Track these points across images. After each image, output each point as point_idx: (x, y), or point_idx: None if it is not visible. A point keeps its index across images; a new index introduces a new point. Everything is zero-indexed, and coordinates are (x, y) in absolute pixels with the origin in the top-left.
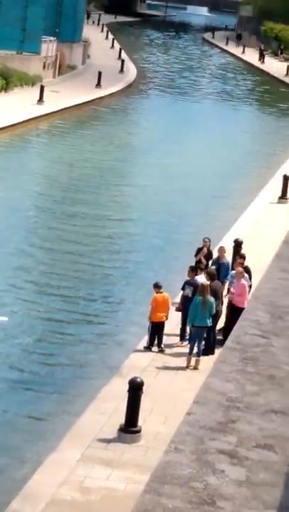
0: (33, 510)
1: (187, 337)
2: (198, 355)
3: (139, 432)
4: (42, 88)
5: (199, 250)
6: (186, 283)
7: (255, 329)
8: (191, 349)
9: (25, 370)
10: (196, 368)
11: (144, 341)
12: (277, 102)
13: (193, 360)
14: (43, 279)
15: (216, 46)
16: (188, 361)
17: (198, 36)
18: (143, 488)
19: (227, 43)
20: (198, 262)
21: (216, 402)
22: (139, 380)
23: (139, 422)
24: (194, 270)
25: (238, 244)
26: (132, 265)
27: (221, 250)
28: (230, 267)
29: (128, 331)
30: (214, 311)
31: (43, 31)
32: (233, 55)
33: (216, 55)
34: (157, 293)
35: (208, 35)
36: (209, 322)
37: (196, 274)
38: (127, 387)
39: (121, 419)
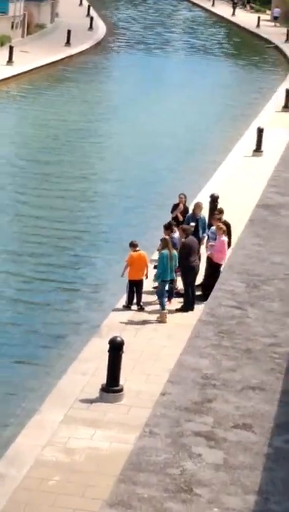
0: (18, 473)
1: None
2: (162, 308)
3: (121, 390)
4: (11, 49)
5: (175, 207)
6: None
7: (230, 300)
8: (163, 304)
9: (5, 334)
10: (162, 321)
11: (123, 300)
12: (248, 55)
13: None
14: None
15: (187, 0)
16: (164, 316)
17: None
18: (117, 477)
19: None
20: (175, 218)
21: (190, 381)
22: (119, 339)
23: (121, 381)
24: (169, 227)
25: (214, 200)
26: (108, 224)
27: (197, 206)
28: (206, 222)
29: (107, 290)
30: (177, 264)
31: None
32: (203, 8)
33: (185, 9)
34: (134, 251)
35: None
36: (174, 275)
37: (172, 231)
38: (107, 346)
39: (102, 378)
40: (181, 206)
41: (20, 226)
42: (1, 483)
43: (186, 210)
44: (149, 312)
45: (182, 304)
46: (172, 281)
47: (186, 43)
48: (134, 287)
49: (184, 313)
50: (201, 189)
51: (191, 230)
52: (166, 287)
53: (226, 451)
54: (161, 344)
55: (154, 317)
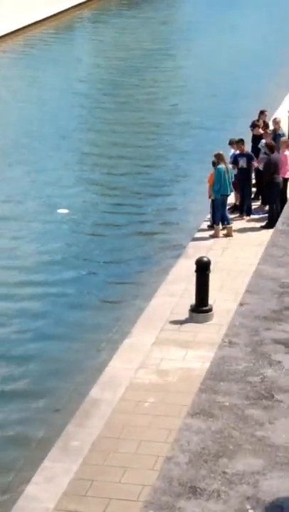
0: (113, 396)
1: (253, 211)
2: (228, 222)
3: (210, 310)
4: None
5: (255, 123)
6: (238, 155)
7: None
8: (219, 218)
9: (91, 258)
10: (228, 235)
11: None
12: None
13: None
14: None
15: None
16: (218, 231)
17: None
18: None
19: None
20: (257, 135)
21: (268, 290)
22: (205, 259)
23: (210, 301)
24: (240, 141)
25: None
26: (189, 142)
27: (276, 122)
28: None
29: (190, 210)
30: (233, 177)
31: None
32: None
33: None
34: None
35: None
36: (230, 189)
37: (243, 144)
38: (194, 267)
39: (191, 299)
40: (261, 122)
41: (100, 152)
42: (97, 406)
43: (266, 125)
44: (235, 230)
45: (266, 221)
46: (228, 196)
47: None
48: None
49: (269, 230)
50: (280, 104)
51: (274, 145)
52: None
53: None
54: (249, 262)
55: (240, 235)
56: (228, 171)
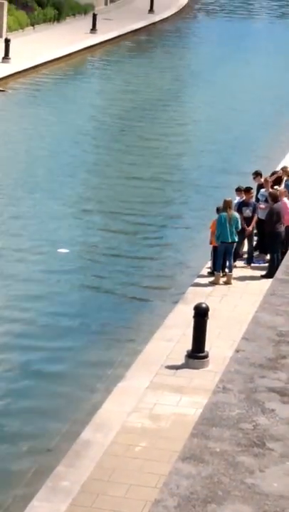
0: (105, 439)
1: (254, 260)
2: (229, 270)
3: (206, 357)
4: (94, 17)
5: (257, 172)
6: (243, 204)
7: None
8: (219, 266)
9: (89, 300)
10: (228, 282)
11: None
12: None
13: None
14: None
15: None
16: (218, 279)
17: None
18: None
19: None
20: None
21: (265, 337)
22: (204, 305)
23: (206, 347)
24: (247, 190)
25: None
26: (195, 189)
27: (286, 171)
28: None
29: (191, 257)
30: (240, 226)
31: None
32: None
33: None
34: None
35: None
36: (236, 237)
37: (250, 194)
38: (192, 313)
39: (188, 345)
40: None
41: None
42: (89, 448)
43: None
44: (235, 278)
45: (267, 270)
46: (233, 243)
47: (272, 10)
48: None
49: (269, 280)
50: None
51: (277, 195)
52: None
53: None
54: (247, 310)
55: (240, 283)
56: (231, 219)
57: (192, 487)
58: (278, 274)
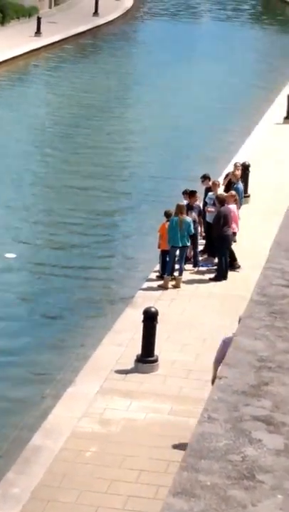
0: (55, 444)
1: (201, 262)
2: (179, 273)
3: (156, 361)
4: (39, 20)
5: (205, 176)
6: (187, 207)
7: (280, 279)
8: (169, 269)
9: (38, 305)
10: (176, 286)
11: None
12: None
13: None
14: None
15: None
16: (167, 282)
17: None
18: (179, 463)
19: None
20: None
21: (246, 363)
22: (153, 309)
23: (156, 351)
24: (192, 194)
25: (245, 168)
26: (141, 194)
27: (235, 175)
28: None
29: (139, 260)
30: (192, 230)
31: None
32: None
33: None
34: (167, 221)
35: None
36: (187, 242)
37: (195, 197)
38: (141, 317)
39: (137, 349)
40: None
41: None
42: (39, 454)
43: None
44: (184, 282)
45: (215, 273)
46: (184, 248)
47: (213, 13)
48: (168, 257)
49: (218, 283)
50: (232, 158)
51: (224, 198)
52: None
53: (286, 436)
54: (196, 313)
55: (189, 287)
56: (182, 223)
57: None
58: (253, 295)
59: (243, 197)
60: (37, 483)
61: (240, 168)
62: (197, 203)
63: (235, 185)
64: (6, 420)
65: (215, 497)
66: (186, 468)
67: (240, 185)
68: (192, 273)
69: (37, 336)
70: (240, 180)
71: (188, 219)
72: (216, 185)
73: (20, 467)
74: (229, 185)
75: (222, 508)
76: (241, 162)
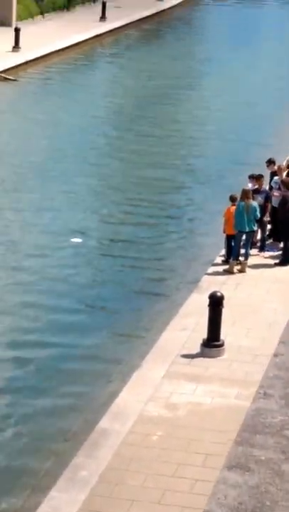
0: (122, 428)
1: (267, 247)
2: (245, 258)
3: (222, 345)
4: (104, 4)
5: (271, 160)
6: (255, 192)
7: None
8: (235, 254)
9: (101, 292)
10: (242, 271)
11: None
12: None
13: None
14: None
15: None
16: (232, 267)
17: None
18: (234, 437)
19: None
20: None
21: None
22: (219, 294)
23: (222, 336)
24: (258, 178)
25: None
26: (208, 176)
27: None
28: None
29: (205, 245)
30: (258, 215)
31: None
32: None
33: None
34: (232, 205)
35: None
36: (254, 226)
37: (261, 181)
38: (207, 301)
39: (203, 334)
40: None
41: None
42: (106, 438)
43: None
44: (249, 266)
45: (280, 258)
46: (251, 232)
47: None
48: (233, 241)
49: (283, 267)
50: None
51: None
52: (243, 237)
53: None
54: (262, 298)
55: (254, 271)
56: (249, 208)
57: (240, 497)
58: None
59: None
60: (105, 466)
61: None
62: (264, 187)
63: None
64: (74, 405)
65: (269, 471)
66: (241, 442)
67: None
68: (258, 257)
69: (102, 322)
70: None
71: (255, 203)
72: (281, 169)
73: (88, 451)
74: None
75: (276, 482)
76: None
